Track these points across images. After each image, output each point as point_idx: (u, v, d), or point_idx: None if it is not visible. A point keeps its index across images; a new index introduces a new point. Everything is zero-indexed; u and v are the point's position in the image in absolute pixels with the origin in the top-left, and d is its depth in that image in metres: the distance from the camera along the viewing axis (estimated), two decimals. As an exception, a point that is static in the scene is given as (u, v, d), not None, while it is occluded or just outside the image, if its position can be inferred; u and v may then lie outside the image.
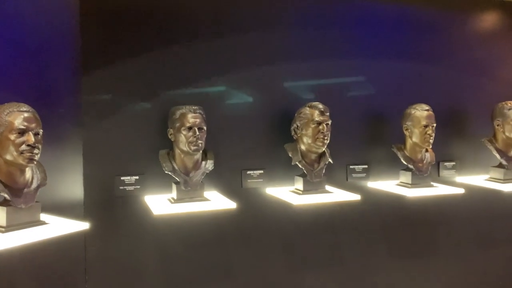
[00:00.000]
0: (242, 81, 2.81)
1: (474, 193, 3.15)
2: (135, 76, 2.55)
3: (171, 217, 2.34)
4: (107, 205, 2.51)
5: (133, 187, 2.53)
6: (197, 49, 2.67)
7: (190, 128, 2.33)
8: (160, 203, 2.40)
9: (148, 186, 2.56)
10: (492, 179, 3.17)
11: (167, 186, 2.51)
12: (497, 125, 3.09)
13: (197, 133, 2.32)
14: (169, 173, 2.38)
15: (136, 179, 2.53)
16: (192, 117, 2.34)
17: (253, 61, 2.82)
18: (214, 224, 2.64)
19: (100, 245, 2.49)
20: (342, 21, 3.04)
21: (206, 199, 2.43)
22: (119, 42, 2.51)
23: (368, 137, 3.10)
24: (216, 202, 2.44)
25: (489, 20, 3.45)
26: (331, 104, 2.68)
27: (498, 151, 3.09)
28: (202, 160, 2.44)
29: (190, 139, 2.32)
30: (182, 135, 2.34)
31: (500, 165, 3.12)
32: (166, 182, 2.51)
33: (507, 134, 3.04)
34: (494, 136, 3.14)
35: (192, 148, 2.33)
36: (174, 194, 2.43)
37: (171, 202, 2.40)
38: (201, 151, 2.41)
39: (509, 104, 3.05)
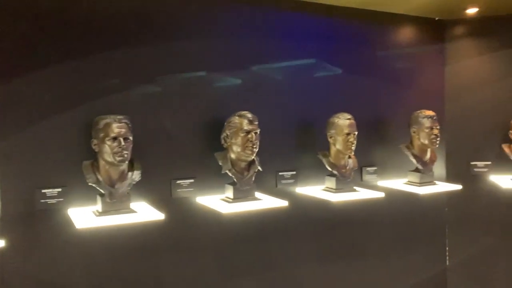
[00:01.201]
0: (171, 89, 2.77)
1: (394, 196, 3.35)
2: (57, 84, 2.44)
3: (95, 230, 2.27)
4: (27, 220, 2.37)
5: (55, 200, 2.42)
6: (123, 57, 2.61)
7: (115, 139, 2.27)
8: (84, 216, 2.31)
9: (72, 199, 2.45)
10: (410, 183, 3.39)
11: (92, 198, 2.43)
12: (414, 132, 3.31)
13: (123, 143, 2.27)
14: (93, 184, 2.31)
15: (58, 192, 2.42)
16: (117, 127, 2.28)
17: (182, 68, 2.80)
18: (143, 236, 2.59)
19: (20, 261, 2.36)
20: (271, 31, 3.11)
21: (132, 211, 2.38)
22: (40, 49, 2.40)
23: (296, 144, 3.20)
24: (143, 213, 2.39)
25: (407, 34, 3.70)
26: (260, 112, 2.74)
27: (415, 156, 3.31)
28: (128, 170, 2.39)
29: (115, 149, 2.26)
30: (106, 145, 2.27)
31: (417, 170, 3.35)
32: (91, 194, 2.42)
33: (422, 140, 3.27)
34: (411, 142, 3.36)
35: (118, 159, 2.27)
36: (99, 206, 2.35)
37: (96, 215, 2.32)
38: (127, 162, 2.35)
39: (424, 113, 3.27)
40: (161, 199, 2.70)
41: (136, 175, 2.40)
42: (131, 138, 2.33)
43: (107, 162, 2.32)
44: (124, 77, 2.63)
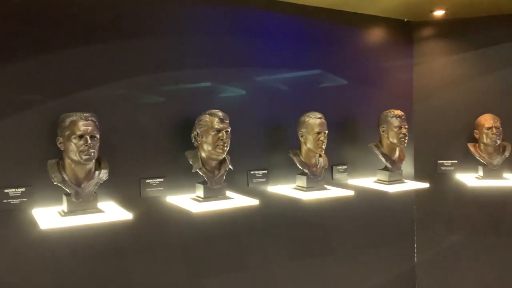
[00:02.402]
0: (140, 86, 2.73)
1: (363, 194, 3.40)
2: (21, 80, 2.37)
3: (61, 231, 2.21)
4: (-12, 221, 2.30)
5: (19, 200, 2.34)
6: (91, 53, 2.56)
7: (81, 137, 2.21)
8: (49, 217, 2.25)
9: (36, 199, 2.38)
10: (379, 181, 3.44)
11: (58, 198, 2.36)
12: (383, 132, 3.37)
13: (89, 141, 2.22)
14: (59, 184, 2.25)
15: (22, 192, 2.35)
16: (84, 125, 2.23)
17: (152, 66, 2.76)
18: (111, 236, 2.54)
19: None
20: (241, 30, 3.11)
21: (100, 211, 2.33)
22: (2, 44, 2.32)
23: (267, 143, 3.20)
24: (111, 213, 2.35)
25: (376, 34, 3.76)
26: (231, 111, 2.73)
27: (384, 155, 3.37)
28: (95, 169, 2.34)
29: (81, 148, 2.21)
30: (72, 144, 2.21)
31: (386, 168, 3.40)
32: (56, 194, 2.36)
33: (391, 139, 3.33)
34: (380, 141, 3.41)
35: (84, 157, 2.22)
36: (64, 206, 2.29)
37: (61, 215, 2.26)
38: (94, 160, 2.30)
39: (393, 112, 3.32)
40: (130, 199, 2.65)
41: (103, 174, 2.36)
42: (98, 136, 2.28)
43: (73, 161, 2.26)
44: (91, 74, 2.57)
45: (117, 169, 2.53)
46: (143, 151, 2.72)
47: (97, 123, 2.31)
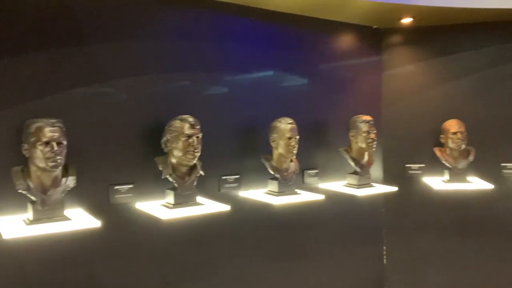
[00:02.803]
0: (109, 90, 2.69)
1: (333, 198, 3.44)
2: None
3: (26, 240, 2.14)
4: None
5: (-19, 208, 2.28)
6: (57, 57, 2.50)
7: (47, 143, 2.16)
8: (14, 225, 2.19)
9: (0, 207, 2.32)
10: (349, 185, 3.50)
11: (23, 206, 2.29)
12: (352, 136, 3.43)
13: (56, 148, 2.17)
14: (23, 192, 2.19)
15: (-15, 200, 2.29)
16: (50, 131, 2.18)
17: (121, 70, 2.72)
18: (79, 244, 2.48)
19: None
20: (214, 35, 3.10)
21: (67, 219, 2.28)
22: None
23: (239, 148, 3.21)
24: (78, 221, 2.30)
25: (346, 41, 3.82)
26: (202, 116, 2.72)
27: (353, 159, 3.42)
28: (62, 176, 2.29)
29: (48, 155, 2.16)
30: (38, 150, 2.16)
31: (355, 172, 3.46)
32: (21, 202, 2.29)
33: (360, 144, 3.39)
34: (350, 146, 3.47)
35: (50, 164, 2.17)
36: (30, 214, 2.24)
37: (26, 224, 2.20)
38: (61, 167, 2.25)
39: (362, 118, 3.39)
40: (98, 206, 2.60)
41: (70, 181, 2.31)
42: (65, 142, 2.24)
43: (39, 168, 2.21)
44: (58, 78, 2.51)
45: (85, 175, 2.48)
46: (112, 157, 2.68)
47: (64, 129, 2.26)
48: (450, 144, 3.62)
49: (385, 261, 4.05)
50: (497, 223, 3.84)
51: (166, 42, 2.90)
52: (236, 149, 3.20)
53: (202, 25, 3.05)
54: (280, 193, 3.07)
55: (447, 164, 3.66)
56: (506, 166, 3.76)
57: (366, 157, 3.45)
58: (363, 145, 3.37)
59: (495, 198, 3.71)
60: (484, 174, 3.74)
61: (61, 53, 2.52)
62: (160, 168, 2.67)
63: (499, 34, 3.76)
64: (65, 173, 2.31)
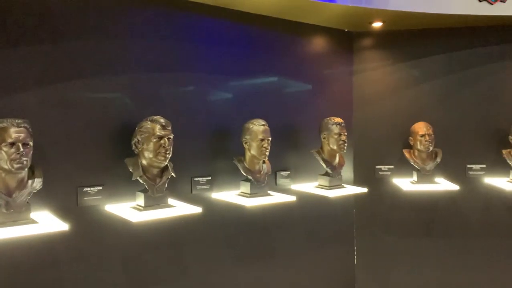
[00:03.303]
0: (76, 90, 2.62)
1: (305, 199, 3.48)
2: None
3: (-11, 244, 2.09)
4: None
5: None
6: (23, 55, 2.43)
7: (12, 144, 2.10)
8: (-24, 229, 2.12)
9: (-38, 210, 2.23)
10: (320, 186, 3.54)
11: (-14, 209, 2.23)
12: (324, 138, 3.46)
13: (21, 149, 2.11)
14: (-14, 195, 2.13)
15: None
16: (16, 132, 2.12)
17: (89, 70, 2.66)
18: (46, 248, 2.44)
19: None
20: (185, 36, 3.08)
21: (33, 222, 2.22)
22: None
23: (211, 150, 3.19)
24: (45, 224, 2.25)
25: (318, 43, 3.86)
26: (174, 118, 2.69)
27: (325, 161, 3.46)
28: (28, 178, 2.22)
29: (13, 156, 2.09)
30: (3, 152, 2.10)
31: (326, 174, 3.50)
32: (-16, 205, 2.22)
33: (331, 146, 3.43)
34: (321, 147, 3.51)
35: (15, 166, 2.10)
36: (-7, 218, 2.17)
37: (-10, 227, 2.14)
38: (27, 169, 2.19)
39: (333, 120, 3.42)
40: (66, 208, 2.55)
41: (37, 183, 2.25)
42: (31, 143, 2.18)
43: (4, 170, 2.14)
44: (24, 77, 2.44)
45: (52, 177, 2.43)
46: (80, 158, 2.62)
47: (30, 129, 2.20)
48: (418, 146, 3.70)
49: (355, 261, 4.11)
50: (463, 223, 3.96)
51: (135, 43, 2.86)
52: (208, 150, 3.18)
53: (173, 25, 3.02)
54: (252, 194, 3.07)
55: (416, 166, 3.74)
56: (471, 167, 3.88)
57: (337, 159, 3.50)
58: (335, 147, 3.41)
59: (461, 198, 3.85)
60: (451, 175, 3.85)
61: (28, 51, 2.45)
62: (131, 170, 2.63)
63: (466, 39, 3.88)
64: (32, 175, 2.25)
